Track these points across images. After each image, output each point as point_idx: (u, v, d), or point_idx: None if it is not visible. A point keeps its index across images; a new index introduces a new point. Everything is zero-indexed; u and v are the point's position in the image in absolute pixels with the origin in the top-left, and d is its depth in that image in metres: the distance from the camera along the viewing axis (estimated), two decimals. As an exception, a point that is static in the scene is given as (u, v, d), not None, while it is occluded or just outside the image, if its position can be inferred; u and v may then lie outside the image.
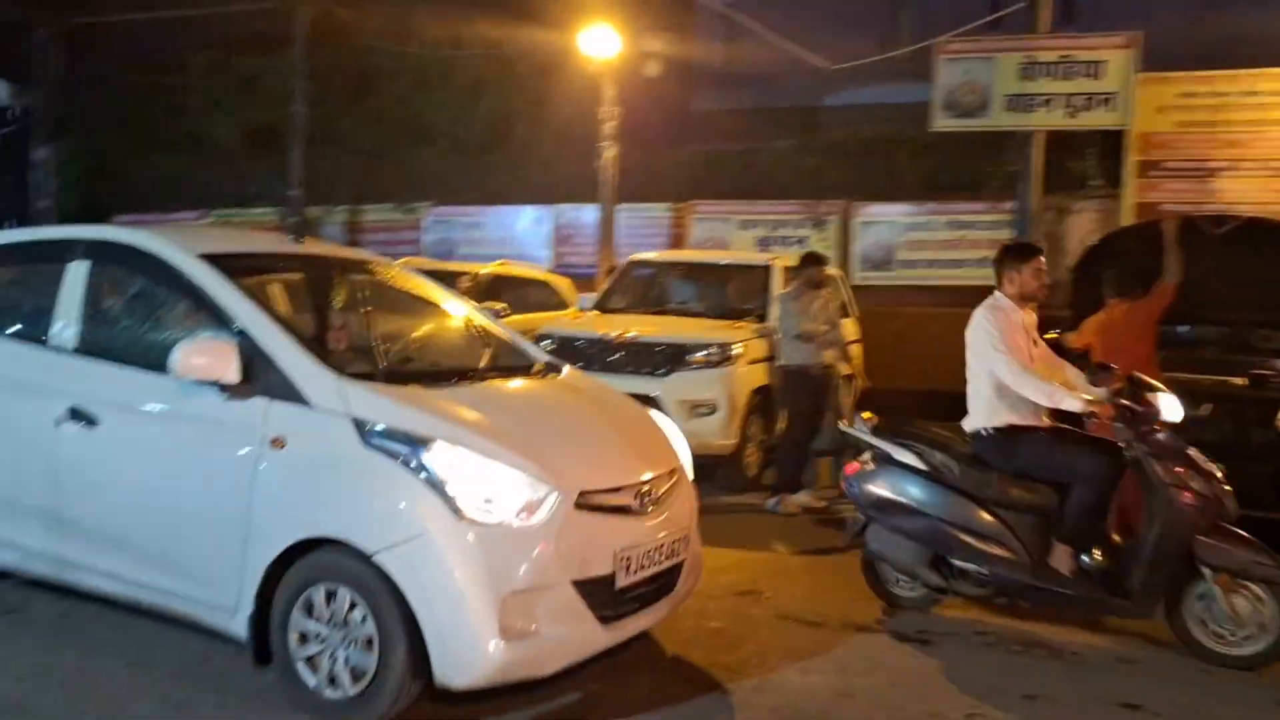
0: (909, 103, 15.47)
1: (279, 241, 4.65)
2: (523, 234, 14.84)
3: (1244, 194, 10.77)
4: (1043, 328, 8.21)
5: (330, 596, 3.51)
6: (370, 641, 3.41)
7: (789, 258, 8.95)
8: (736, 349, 7.81)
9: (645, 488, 3.84)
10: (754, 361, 7.97)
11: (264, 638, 3.63)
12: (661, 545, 3.86)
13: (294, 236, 4.61)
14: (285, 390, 3.64)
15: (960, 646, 4.63)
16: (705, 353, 7.74)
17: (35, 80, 16.32)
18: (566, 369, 4.59)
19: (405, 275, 5.03)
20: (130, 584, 4.00)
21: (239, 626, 3.68)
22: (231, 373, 3.64)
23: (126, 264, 4.28)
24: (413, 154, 15.78)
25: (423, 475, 3.41)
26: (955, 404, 10.60)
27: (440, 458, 3.43)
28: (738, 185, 13.65)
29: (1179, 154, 11.13)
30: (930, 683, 4.19)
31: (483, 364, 4.48)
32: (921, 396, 11.49)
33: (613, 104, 12.53)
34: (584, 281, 12.44)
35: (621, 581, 3.66)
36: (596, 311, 9.08)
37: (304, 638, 3.56)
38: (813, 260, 7.67)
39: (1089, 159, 11.62)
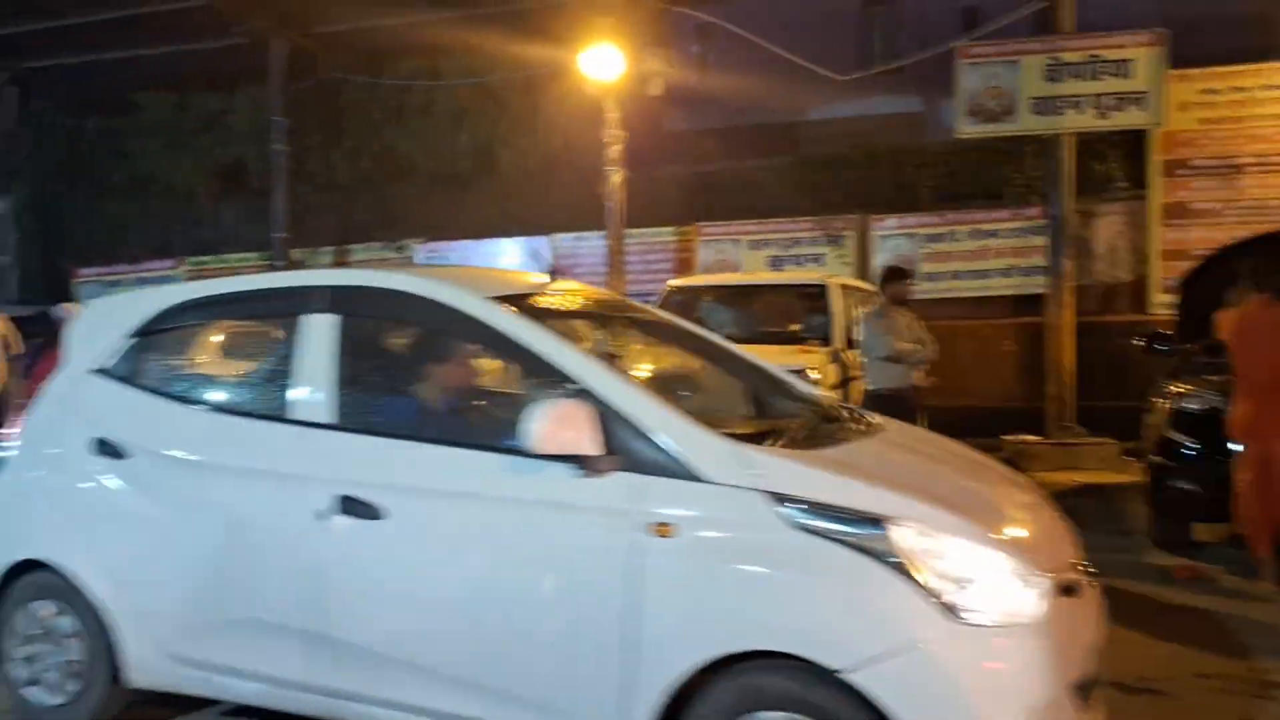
0: (888, 114, 15.39)
1: (535, 281, 3.86)
2: (519, 267, 14.27)
3: (1274, 190, 10.64)
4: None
5: None
6: None
7: (844, 276, 8.53)
8: (814, 374, 7.34)
9: (1078, 559, 3.13)
10: (832, 387, 7.51)
11: None
12: (1100, 626, 3.15)
13: (550, 271, 3.89)
14: (662, 462, 2.86)
15: (1198, 693, 4.16)
16: (783, 381, 7.24)
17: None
18: (876, 416, 3.88)
19: (663, 314, 4.36)
20: None
21: None
22: (591, 443, 2.87)
23: (390, 314, 3.49)
24: (394, 189, 15.14)
25: (891, 565, 2.64)
26: (992, 420, 10.42)
27: (910, 541, 2.66)
28: (739, 205, 13.23)
29: (1204, 151, 10.98)
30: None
31: (820, 418, 3.60)
32: (958, 413, 11.18)
33: (616, 126, 12.04)
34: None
35: (1095, 678, 2.96)
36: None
37: None
38: (897, 275, 7.24)
39: (1112, 160, 11.38)
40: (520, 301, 3.36)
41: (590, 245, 13.57)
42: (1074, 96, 10.20)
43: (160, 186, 16.24)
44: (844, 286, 8.40)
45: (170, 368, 3.85)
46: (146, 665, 3.60)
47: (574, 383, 3.01)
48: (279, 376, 3.49)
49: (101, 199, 16.47)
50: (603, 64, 11.64)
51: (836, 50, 14.89)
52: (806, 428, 3.37)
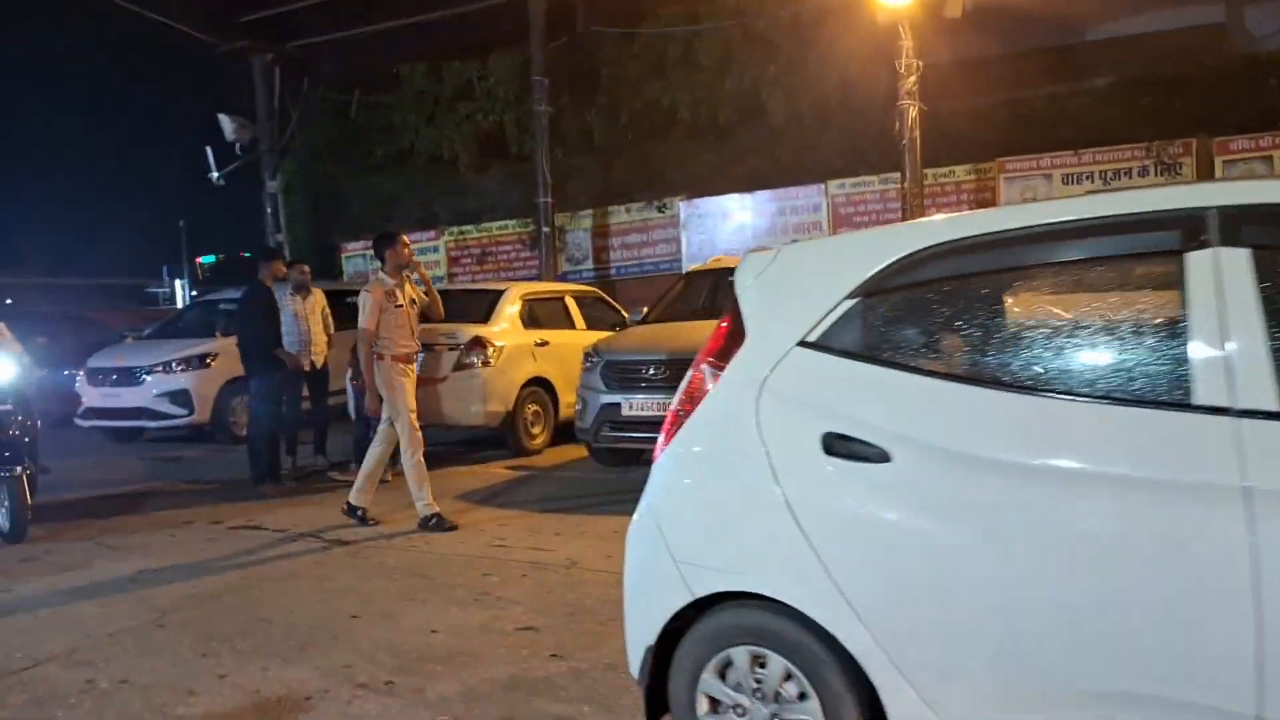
0: (1184, 28, 13.38)
1: None
2: (792, 219, 13.36)
3: None
4: None
5: None
6: None
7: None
8: None
9: None
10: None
11: None
12: None
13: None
14: None
15: None
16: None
17: (258, 111, 15.82)
18: None
19: None
20: None
21: None
22: None
23: None
24: (654, 145, 14.50)
25: None
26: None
27: None
28: (1045, 136, 11.80)
29: None
30: None
31: None
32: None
33: (910, 56, 10.88)
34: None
35: None
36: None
37: None
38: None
39: None
40: None
41: (870, 191, 12.53)
42: None
43: (422, 158, 16.28)
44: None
45: (934, 336, 2.77)
46: None
47: None
48: (1141, 342, 2.41)
49: (366, 173, 16.68)
50: (895, -14, 10.50)
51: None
52: None
